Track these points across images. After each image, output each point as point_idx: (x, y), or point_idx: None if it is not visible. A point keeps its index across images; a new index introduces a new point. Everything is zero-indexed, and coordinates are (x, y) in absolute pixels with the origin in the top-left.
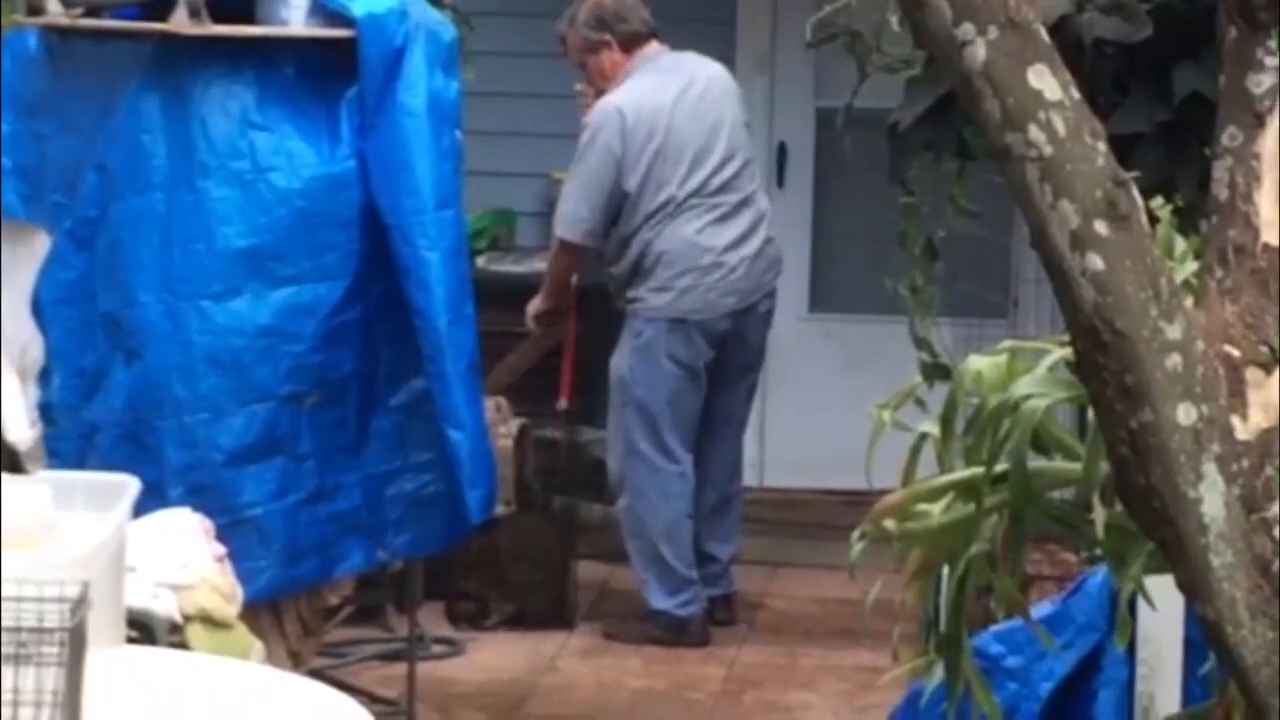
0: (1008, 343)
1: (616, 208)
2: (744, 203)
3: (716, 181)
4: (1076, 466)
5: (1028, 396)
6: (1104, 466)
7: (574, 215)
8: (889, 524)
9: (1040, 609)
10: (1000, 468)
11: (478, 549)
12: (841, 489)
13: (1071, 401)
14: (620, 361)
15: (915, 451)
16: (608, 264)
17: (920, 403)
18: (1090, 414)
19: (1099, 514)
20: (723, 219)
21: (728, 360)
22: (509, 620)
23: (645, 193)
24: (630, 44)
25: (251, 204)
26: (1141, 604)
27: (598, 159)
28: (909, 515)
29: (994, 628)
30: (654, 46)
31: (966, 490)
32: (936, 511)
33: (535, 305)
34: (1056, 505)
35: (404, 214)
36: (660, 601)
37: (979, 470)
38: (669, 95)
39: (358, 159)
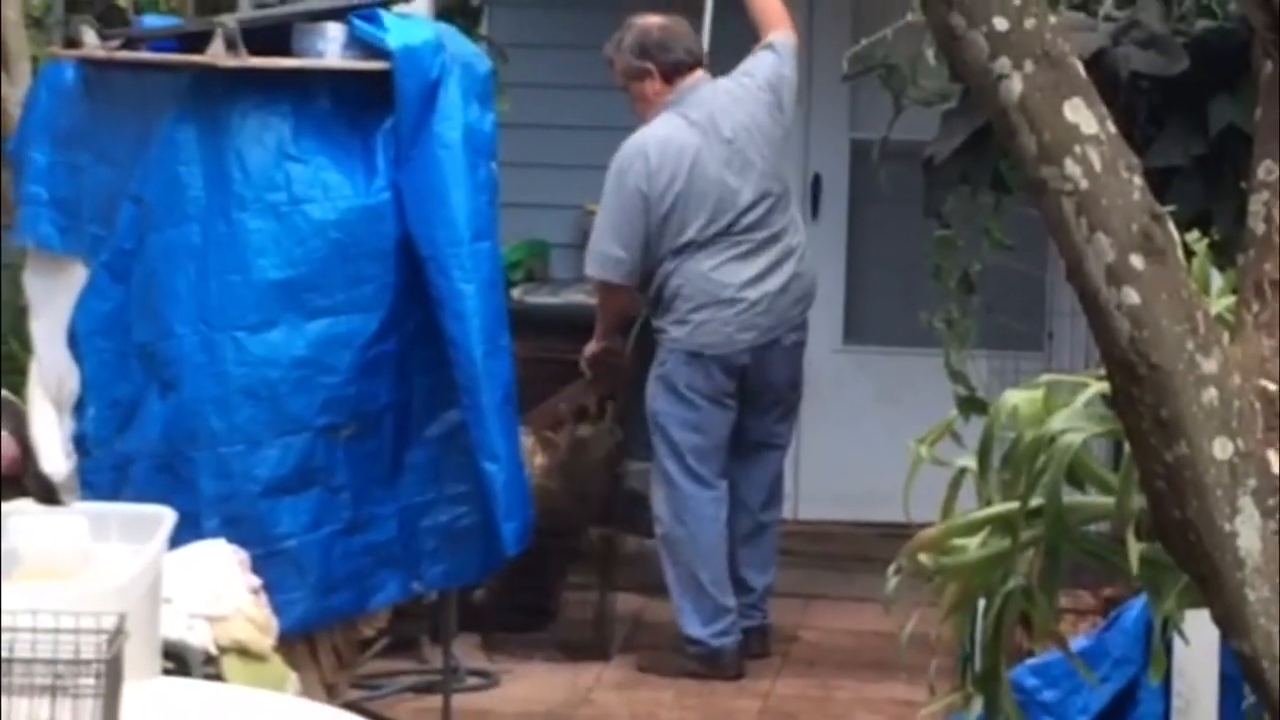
0: (1046, 377)
1: (649, 243)
2: (771, 239)
3: (742, 224)
4: (1112, 501)
5: (1063, 431)
6: (1137, 500)
7: (610, 256)
8: (924, 558)
9: (1076, 643)
10: (1036, 502)
11: (513, 580)
12: (875, 521)
13: (1107, 436)
14: (649, 390)
15: (955, 486)
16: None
17: (956, 436)
18: (1125, 448)
19: (1132, 548)
20: (745, 255)
21: (753, 391)
22: (545, 651)
23: (667, 232)
24: (673, 74)
25: (287, 236)
26: (1178, 638)
27: (628, 199)
28: (945, 550)
29: (1030, 661)
30: (696, 76)
31: (1003, 525)
32: (973, 546)
33: (590, 348)
34: (1092, 539)
35: (439, 246)
36: (695, 629)
37: (1015, 505)
38: (696, 137)
39: (393, 191)
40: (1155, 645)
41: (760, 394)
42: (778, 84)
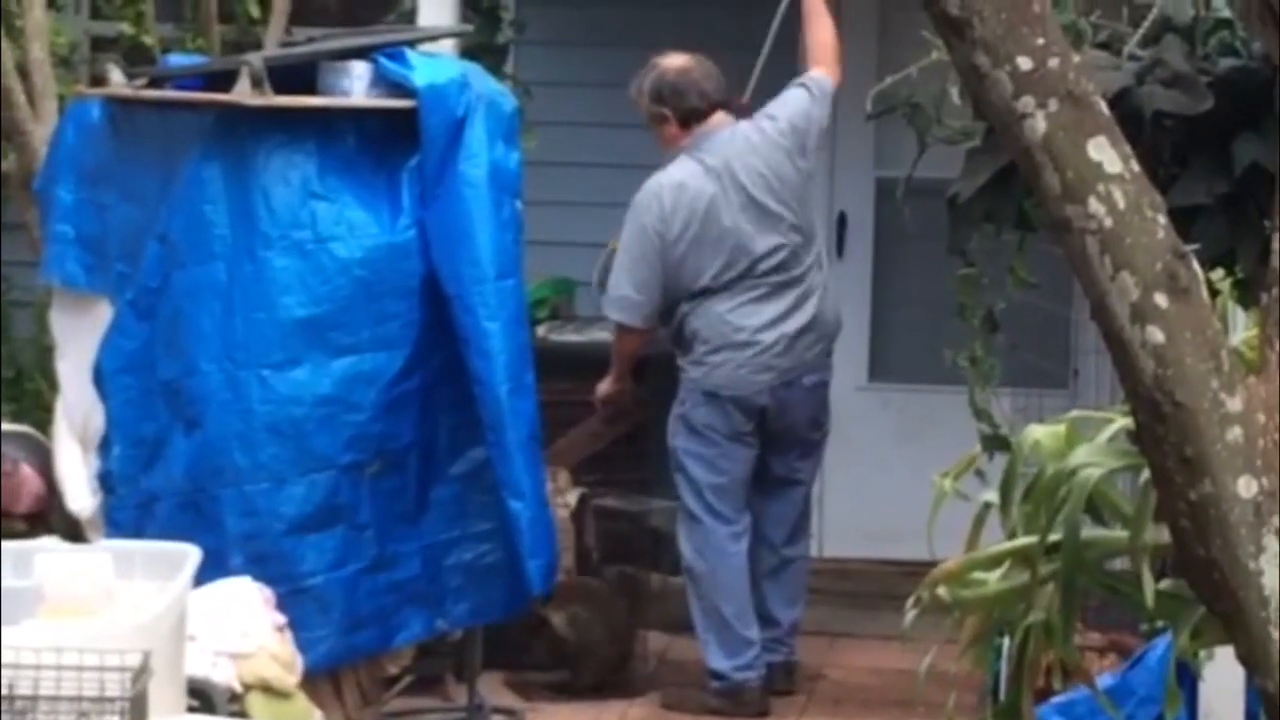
0: (1075, 412)
1: (665, 286)
2: (790, 283)
3: (758, 269)
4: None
5: (1084, 466)
6: (1151, 535)
7: (627, 299)
8: (942, 591)
9: (1101, 681)
10: (1055, 536)
11: (538, 618)
12: (900, 559)
13: (1127, 471)
14: (670, 428)
15: (979, 522)
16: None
17: (980, 473)
18: (1139, 481)
19: (1148, 582)
20: (762, 298)
21: (773, 430)
22: (569, 690)
23: (683, 277)
24: (688, 119)
25: (312, 273)
26: (1204, 675)
27: (643, 242)
28: (964, 583)
29: (1054, 700)
30: (716, 119)
31: (1022, 558)
32: (993, 580)
33: (604, 387)
34: (1111, 574)
35: (464, 283)
36: (719, 662)
37: (1034, 539)
38: (712, 184)
39: (418, 229)
40: (1170, 681)
41: (780, 433)
42: (803, 126)
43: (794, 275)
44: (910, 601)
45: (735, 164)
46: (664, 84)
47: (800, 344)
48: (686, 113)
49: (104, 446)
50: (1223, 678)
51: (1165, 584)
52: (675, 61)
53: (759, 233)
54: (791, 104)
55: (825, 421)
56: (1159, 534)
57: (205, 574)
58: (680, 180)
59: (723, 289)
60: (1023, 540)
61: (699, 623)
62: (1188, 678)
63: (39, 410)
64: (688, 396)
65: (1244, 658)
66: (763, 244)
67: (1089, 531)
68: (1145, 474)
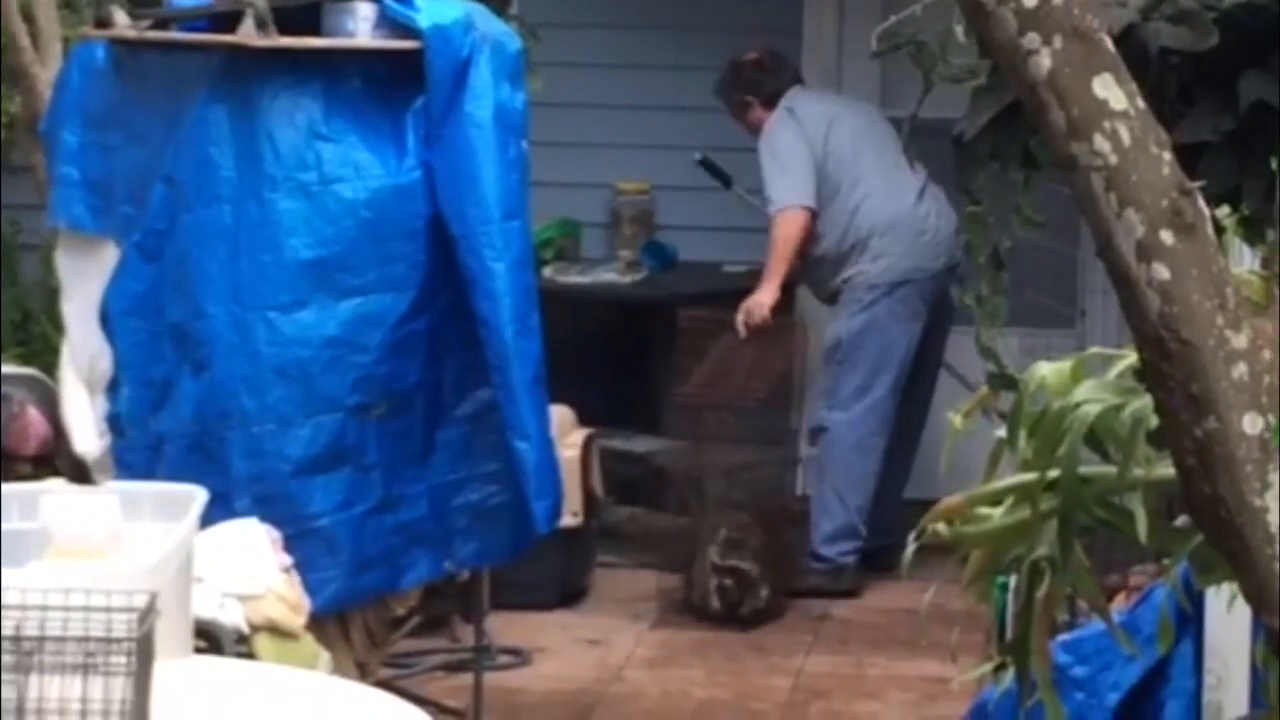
0: (1094, 349)
1: (817, 181)
2: (920, 184)
3: (886, 160)
4: (1137, 471)
5: (1085, 401)
6: (1142, 469)
7: (789, 188)
8: (942, 527)
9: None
10: (1055, 472)
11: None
12: (908, 498)
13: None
14: (839, 327)
15: (995, 459)
16: (817, 248)
17: (987, 413)
18: (1124, 415)
19: (1140, 516)
20: (907, 193)
21: (938, 316)
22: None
23: (828, 174)
24: (772, 99)
25: (318, 215)
26: (1210, 614)
27: (791, 144)
28: (967, 519)
29: (1061, 637)
30: (797, 88)
31: (1024, 494)
32: (996, 515)
33: (764, 296)
34: (1110, 508)
35: (470, 225)
36: (824, 547)
37: (1035, 474)
38: (827, 104)
39: (424, 170)
40: (1163, 615)
41: (942, 315)
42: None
43: (921, 177)
44: (911, 536)
45: (832, 95)
46: (743, 75)
47: (946, 230)
48: (769, 96)
49: (112, 389)
50: (1230, 615)
51: (1180, 521)
52: (750, 56)
53: (867, 133)
54: None
55: None
56: (1154, 469)
57: (213, 516)
58: (800, 102)
59: (874, 187)
60: (1023, 476)
61: (816, 506)
62: (1195, 613)
63: (47, 353)
64: (866, 294)
65: (1249, 594)
66: (874, 141)
67: (1089, 467)
68: (1131, 408)
